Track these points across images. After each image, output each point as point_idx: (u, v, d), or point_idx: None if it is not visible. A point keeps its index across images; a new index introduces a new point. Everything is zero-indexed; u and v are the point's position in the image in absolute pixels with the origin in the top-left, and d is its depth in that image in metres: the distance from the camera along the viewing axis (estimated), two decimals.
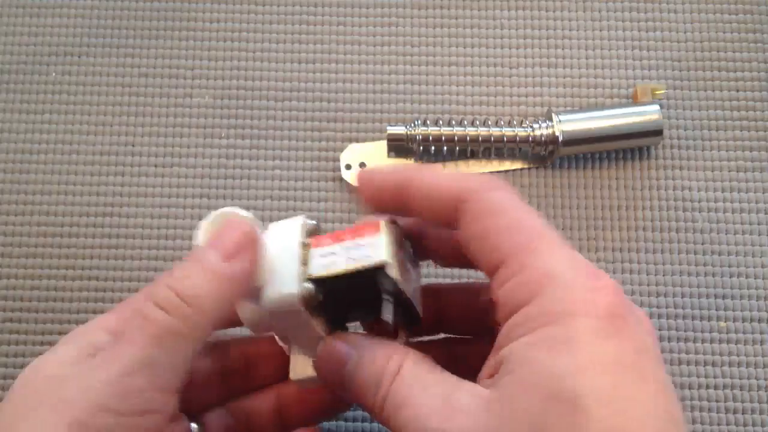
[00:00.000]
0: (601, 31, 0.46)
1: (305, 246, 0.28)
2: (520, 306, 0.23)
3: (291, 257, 0.28)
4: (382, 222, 0.28)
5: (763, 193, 0.44)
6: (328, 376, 0.27)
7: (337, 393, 0.27)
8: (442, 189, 0.26)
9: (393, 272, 0.26)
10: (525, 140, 0.43)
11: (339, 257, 0.27)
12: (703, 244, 0.43)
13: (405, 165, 0.27)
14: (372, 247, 0.27)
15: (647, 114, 0.43)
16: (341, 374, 0.26)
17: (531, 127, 0.43)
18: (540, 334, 0.22)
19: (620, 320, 0.22)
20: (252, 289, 0.27)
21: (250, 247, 0.27)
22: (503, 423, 0.21)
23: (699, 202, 0.43)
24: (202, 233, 0.28)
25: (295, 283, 0.27)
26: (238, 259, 0.26)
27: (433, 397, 0.23)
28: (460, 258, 0.27)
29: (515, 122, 0.44)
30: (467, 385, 0.23)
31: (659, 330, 0.41)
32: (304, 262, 0.28)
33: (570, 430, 0.20)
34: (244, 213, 0.29)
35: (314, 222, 0.30)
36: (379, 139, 0.44)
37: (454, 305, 0.31)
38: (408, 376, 0.24)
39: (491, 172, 0.44)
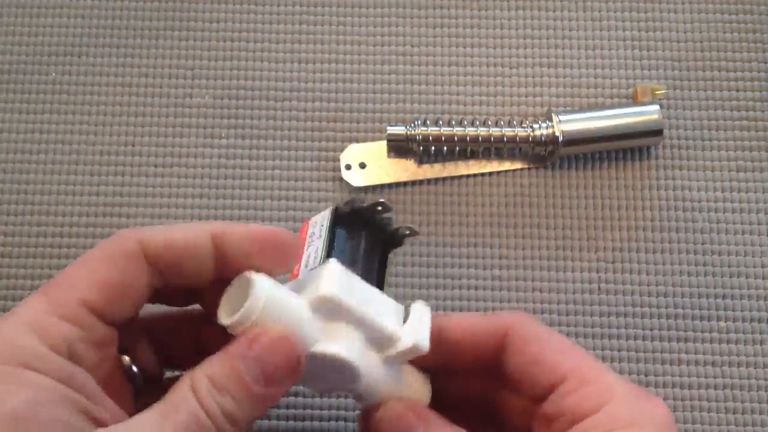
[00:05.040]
0: (601, 31, 0.46)
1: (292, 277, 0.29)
2: (587, 414, 0.26)
3: (310, 277, 0.28)
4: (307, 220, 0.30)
5: (763, 193, 0.44)
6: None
7: None
8: (480, 329, 0.30)
9: (341, 204, 0.29)
10: (525, 140, 0.43)
11: (313, 248, 0.28)
12: (703, 244, 0.43)
13: (434, 316, 0.30)
14: (320, 219, 0.29)
15: (647, 114, 0.43)
16: None
17: (531, 127, 0.43)
18: None
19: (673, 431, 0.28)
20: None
21: (293, 374, 0.27)
22: None
23: (699, 202, 0.43)
24: (229, 310, 0.27)
25: (329, 264, 0.27)
26: (279, 386, 0.27)
27: None
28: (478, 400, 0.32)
29: (515, 122, 0.44)
30: None
31: (659, 330, 0.41)
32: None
33: None
34: (257, 278, 0.26)
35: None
36: (379, 139, 0.44)
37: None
38: None
39: (491, 173, 0.44)
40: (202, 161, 0.44)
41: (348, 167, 0.43)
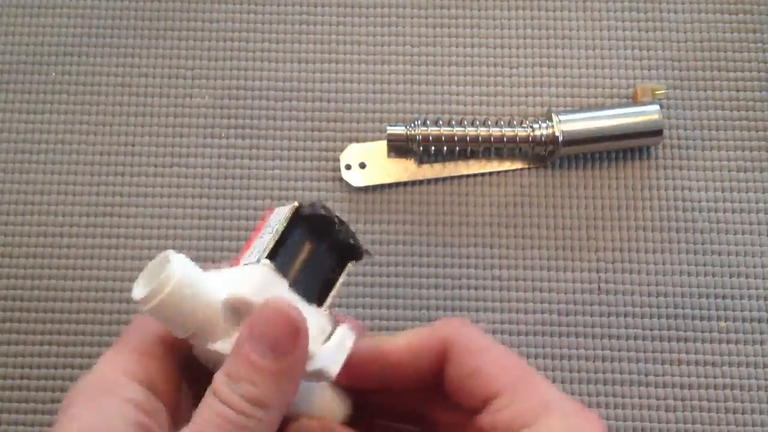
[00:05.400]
0: (601, 31, 0.46)
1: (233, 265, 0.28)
2: (520, 429, 0.26)
3: (227, 271, 0.27)
4: (271, 207, 0.29)
5: (763, 193, 0.44)
6: None
7: None
8: (423, 342, 0.29)
9: (306, 202, 0.28)
10: (525, 140, 0.43)
11: (263, 241, 0.28)
12: (703, 244, 0.43)
13: (366, 343, 0.30)
14: (278, 214, 0.28)
15: (647, 114, 0.43)
16: None
17: (531, 127, 0.43)
18: None
19: None
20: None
21: (297, 340, 0.26)
22: None
23: (699, 202, 0.43)
24: (142, 285, 0.26)
25: (252, 265, 0.27)
26: (290, 355, 0.26)
27: None
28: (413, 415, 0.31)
29: (515, 122, 0.44)
30: None
31: (659, 330, 0.41)
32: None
33: None
34: (175, 257, 0.26)
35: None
36: (379, 139, 0.44)
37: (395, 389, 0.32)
38: None
39: (491, 173, 0.44)
40: (202, 161, 0.44)
41: (348, 167, 0.43)
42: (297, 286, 0.27)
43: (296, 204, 0.28)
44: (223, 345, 0.26)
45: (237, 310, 0.26)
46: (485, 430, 0.27)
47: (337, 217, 0.28)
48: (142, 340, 0.27)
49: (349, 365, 0.28)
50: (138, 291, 0.26)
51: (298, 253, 0.28)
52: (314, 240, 0.29)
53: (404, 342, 0.30)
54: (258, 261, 0.27)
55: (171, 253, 0.26)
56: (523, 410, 0.27)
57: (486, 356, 0.28)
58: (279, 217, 0.28)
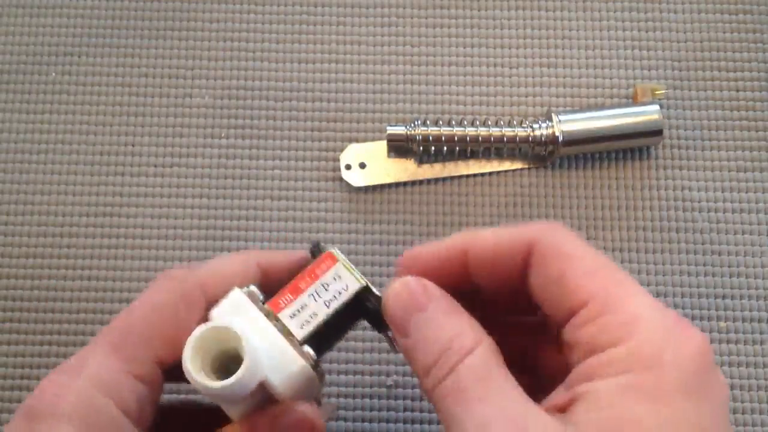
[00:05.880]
0: (601, 31, 0.46)
1: (270, 316, 0.27)
2: (605, 347, 0.23)
3: (269, 335, 0.26)
4: (332, 251, 0.28)
5: (763, 193, 0.44)
6: (395, 312, 0.26)
7: (398, 337, 0.26)
8: (505, 241, 0.26)
9: (375, 291, 0.27)
10: (525, 140, 0.43)
11: (314, 306, 0.27)
12: (703, 244, 0.43)
13: (453, 236, 0.27)
14: (339, 280, 0.27)
15: (647, 114, 0.43)
16: (408, 320, 0.25)
17: (531, 127, 0.43)
18: (627, 379, 0.22)
19: (705, 377, 0.22)
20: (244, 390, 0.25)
21: None
22: None
23: (699, 202, 0.43)
24: (192, 353, 0.24)
25: (296, 356, 0.26)
26: None
27: (502, 413, 0.22)
28: (514, 307, 0.28)
29: (515, 122, 0.44)
30: (541, 413, 0.22)
31: None
32: (282, 331, 0.26)
33: None
34: (233, 328, 0.25)
35: (251, 287, 0.28)
36: (379, 139, 0.44)
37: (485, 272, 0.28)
38: (479, 366, 0.23)
39: (491, 173, 0.44)
40: (202, 161, 0.44)
41: (348, 167, 0.43)
42: (319, 353, 0.27)
43: (364, 285, 0.28)
44: (232, 406, 0.26)
45: (263, 388, 0.26)
46: (568, 347, 0.24)
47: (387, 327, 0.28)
48: (140, 358, 0.26)
49: (436, 262, 0.27)
50: (200, 375, 0.24)
51: (336, 330, 0.28)
52: (356, 321, 0.28)
53: (490, 237, 0.27)
54: (302, 345, 0.26)
55: (244, 339, 0.24)
56: (608, 325, 0.23)
57: (573, 261, 0.25)
58: (340, 288, 0.27)
